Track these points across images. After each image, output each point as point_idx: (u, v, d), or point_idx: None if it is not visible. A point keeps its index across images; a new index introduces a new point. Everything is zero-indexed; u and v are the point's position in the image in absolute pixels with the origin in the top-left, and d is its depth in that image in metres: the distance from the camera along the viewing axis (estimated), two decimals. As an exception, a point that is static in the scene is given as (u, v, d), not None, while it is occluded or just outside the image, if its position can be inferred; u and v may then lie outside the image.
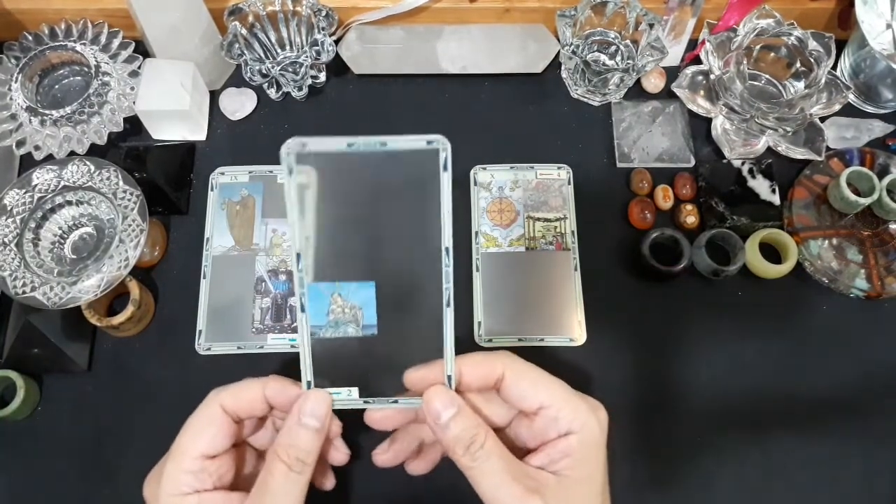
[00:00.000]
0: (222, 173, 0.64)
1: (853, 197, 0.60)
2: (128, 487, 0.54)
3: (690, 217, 0.63)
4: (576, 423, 0.36)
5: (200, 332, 0.59)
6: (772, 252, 0.62)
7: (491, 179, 0.65)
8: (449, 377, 0.37)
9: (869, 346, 0.61)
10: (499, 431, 0.39)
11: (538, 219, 0.63)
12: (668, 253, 0.60)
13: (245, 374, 0.59)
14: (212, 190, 0.64)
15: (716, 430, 0.58)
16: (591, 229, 0.63)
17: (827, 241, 0.62)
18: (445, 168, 0.34)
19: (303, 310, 0.36)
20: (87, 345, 0.58)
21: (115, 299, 0.60)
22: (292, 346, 0.59)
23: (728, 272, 0.59)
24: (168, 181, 0.63)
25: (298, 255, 0.35)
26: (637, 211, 0.63)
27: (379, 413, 0.39)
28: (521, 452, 0.37)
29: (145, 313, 0.59)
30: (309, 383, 0.37)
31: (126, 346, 0.59)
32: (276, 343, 0.59)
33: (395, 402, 0.38)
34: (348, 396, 0.37)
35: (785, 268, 0.60)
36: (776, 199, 0.64)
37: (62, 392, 0.58)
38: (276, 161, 0.65)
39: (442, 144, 0.33)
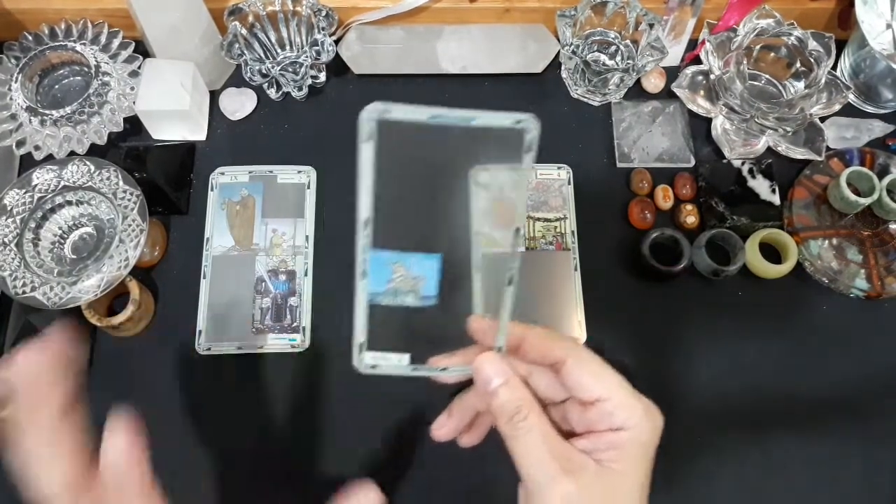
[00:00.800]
0: (222, 173, 0.64)
1: (853, 197, 0.60)
2: (128, 487, 0.55)
3: (690, 217, 0.63)
4: (630, 422, 0.36)
5: (200, 332, 0.59)
6: (772, 252, 0.62)
7: (491, 179, 0.65)
8: (499, 348, 0.37)
9: (869, 346, 0.61)
10: (550, 405, 0.39)
11: (538, 219, 0.63)
12: (668, 253, 0.60)
13: (245, 374, 0.59)
14: (212, 190, 0.64)
15: (716, 429, 0.58)
16: (591, 229, 0.63)
17: (827, 241, 0.62)
18: (529, 149, 0.34)
19: (364, 276, 0.36)
20: (86, 345, 0.58)
21: (114, 299, 0.60)
22: (292, 347, 0.59)
23: (728, 272, 0.59)
24: (168, 181, 0.63)
25: (366, 221, 0.35)
26: (637, 211, 0.63)
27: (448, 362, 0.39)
28: (566, 433, 0.37)
29: (145, 313, 0.59)
30: (362, 345, 0.37)
31: (126, 347, 0.59)
32: (275, 343, 0.59)
33: (444, 370, 0.38)
34: (398, 363, 0.37)
35: (785, 268, 0.60)
36: (776, 199, 0.64)
37: (62, 392, 0.58)
38: (276, 161, 0.66)
39: (530, 124, 0.33)
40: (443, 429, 0.41)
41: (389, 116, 0.33)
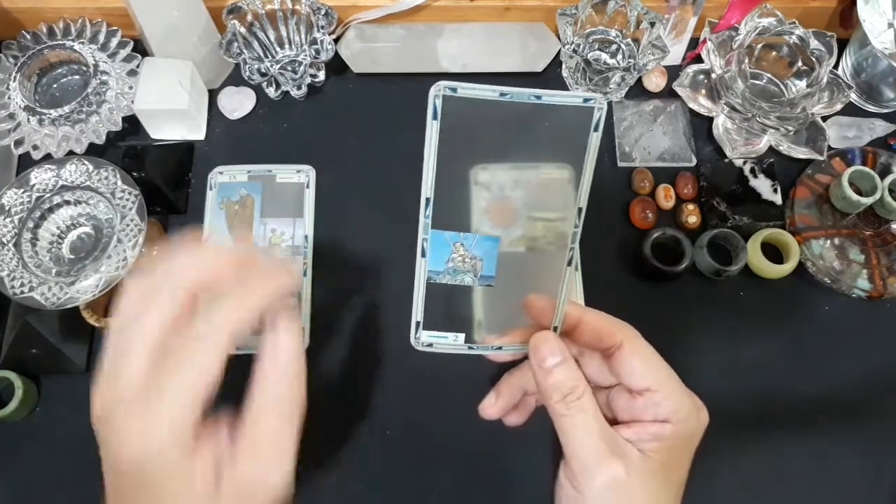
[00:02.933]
0: (221, 173, 0.64)
1: (855, 196, 0.60)
2: (126, 488, 0.54)
3: (692, 217, 0.63)
4: (676, 415, 0.36)
5: (199, 332, 0.58)
6: (774, 252, 0.62)
7: (491, 179, 0.65)
8: (555, 328, 0.37)
9: (871, 347, 0.60)
10: (596, 392, 0.39)
11: (539, 219, 0.63)
12: (669, 253, 0.60)
13: (243, 374, 0.59)
14: (210, 189, 0.63)
15: (717, 429, 0.57)
16: (593, 229, 0.63)
17: (829, 241, 0.62)
18: (597, 128, 0.34)
19: (423, 255, 0.36)
20: (85, 345, 0.58)
21: (113, 299, 0.60)
22: (292, 347, 0.58)
23: (730, 272, 0.59)
24: (166, 181, 0.62)
25: (428, 200, 0.35)
26: (638, 210, 0.63)
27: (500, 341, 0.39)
28: (610, 421, 0.37)
29: (144, 313, 0.58)
30: (419, 323, 0.37)
31: (125, 347, 0.58)
32: (275, 343, 0.58)
33: (500, 348, 0.38)
34: (454, 342, 0.38)
35: (787, 268, 0.60)
36: (778, 199, 0.63)
37: (61, 392, 0.57)
38: (275, 160, 0.65)
39: (598, 103, 0.33)
40: (492, 408, 0.42)
41: (457, 93, 0.33)
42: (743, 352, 0.60)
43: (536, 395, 0.43)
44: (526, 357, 0.39)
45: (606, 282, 0.61)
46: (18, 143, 0.61)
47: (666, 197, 0.63)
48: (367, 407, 0.57)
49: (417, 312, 0.37)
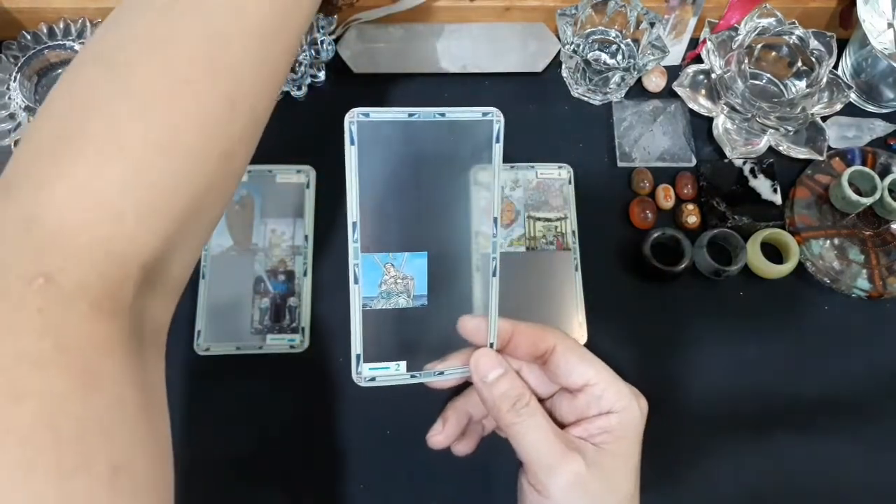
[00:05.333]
0: (221, 173, 0.64)
1: (855, 197, 0.60)
2: (126, 488, 0.54)
3: (692, 217, 0.63)
4: (618, 405, 0.37)
5: (199, 332, 0.58)
6: (773, 252, 0.62)
7: (491, 179, 0.65)
8: (491, 344, 0.38)
9: (871, 347, 0.60)
10: (540, 403, 0.39)
11: (539, 218, 0.63)
12: (669, 253, 0.60)
13: (244, 374, 0.59)
14: (211, 189, 0.63)
15: (717, 430, 0.58)
16: (592, 229, 0.63)
17: (828, 241, 0.62)
18: (498, 139, 0.36)
19: (356, 281, 0.36)
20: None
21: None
22: (291, 347, 0.58)
23: (729, 272, 0.59)
24: (167, 181, 0.62)
25: (354, 225, 0.36)
26: (638, 210, 0.63)
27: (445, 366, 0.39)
28: (559, 426, 0.38)
29: (144, 313, 0.58)
30: (359, 356, 0.37)
31: (124, 347, 0.58)
32: (274, 344, 0.58)
33: (441, 374, 0.39)
34: (396, 371, 0.38)
35: (786, 268, 0.60)
36: (778, 199, 0.63)
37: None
38: (274, 160, 0.65)
39: (496, 116, 0.35)
40: (438, 436, 0.42)
41: (370, 119, 0.35)
42: (743, 352, 0.60)
43: (484, 418, 0.43)
44: (469, 383, 0.39)
45: (606, 282, 0.61)
46: (18, 143, 0.61)
47: (665, 197, 0.63)
48: (366, 408, 0.57)
49: (356, 345, 0.37)
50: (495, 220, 0.37)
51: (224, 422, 0.56)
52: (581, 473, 0.35)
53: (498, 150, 0.36)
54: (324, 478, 0.55)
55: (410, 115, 0.35)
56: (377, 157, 0.35)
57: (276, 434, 0.56)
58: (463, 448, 0.43)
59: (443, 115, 0.35)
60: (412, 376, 0.38)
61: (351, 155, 0.35)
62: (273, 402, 0.57)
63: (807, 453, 0.57)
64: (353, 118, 0.35)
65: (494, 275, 0.37)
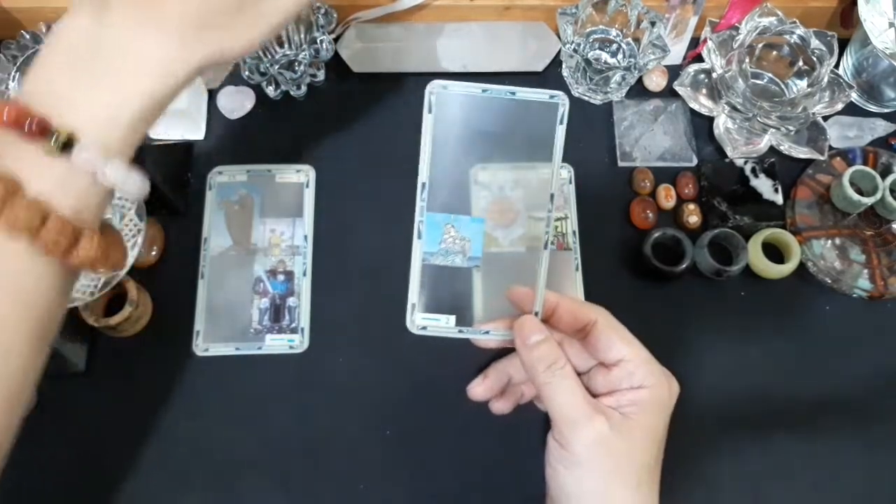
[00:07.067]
0: (220, 173, 0.64)
1: (856, 196, 0.60)
2: (126, 488, 0.54)
3: (693, 217, 0.62)
4: (649, 381, 0.40)
5: (198, 332, 0.58)
6: (774, 252, 0.62)
7: (491, 179, 0.64)
8: (536, 313, 0.40)
9: (871, 347, 0.60)
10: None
11: (539, 218, 0.63)
12: (670, 253, 0.60)
13: (243, 375, 0.59)
14: (210, 189, 0.63)
15: (717, 430, 0.57)
16: (593, 229, 0.63)
17: (830, 241, 0.62)
18: (562, 122, 0.39)
19: (419, 236, 0.40)
20: (84, 346, 0.58)
21: (112, 300, 0.60)
22: (290, 347, 0.58)
23: (730, 272, 0.59)
24: (166, 181, 0.62)
25: (423, 185, 0.39)
26: (639, 210, 0.63)
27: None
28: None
29: (143, 314, 0.58)
30: (414, 305, 0.40)
31: (124, 347, 0.58)
32: (274, 344, 0.58)
33: (487, 332, 0.41)
34: (446, 324, 0.41)
35: (787, 268, 0.60)
36: (779, 199, 0.63)
37: (60, 393, 0.57)
38: (275, 160, 0.65)
39: (562, 100, 0.38)
40: (479, 387, 0.45)
41: (447, 90, 0.38)
42: (743, 352, 0.60)
43: (523, 383, 0.46)
44: (512, 349, 0.41)
45: (607, 282, 0.61)
46: None
47: (666, 197, 0.63)
48: (367, 406, 0.57)
49: (413, 294, 0.40)
50: (552, 196, 0.40)
51: (224, 422, 0.56)
52: (604, 433, 0.37)
53: (561, 131, 0.39)
54: (324, 478, 0.55)
55: (484, 90, 0.38)
56: (449, 126, 0.38)
57: (276, 434, 0.56)
58: (500, 406, 0.46)
59: (513, 93, 0.38)
60: (460, 331, 0.41)
61: (427, 122, 0.38)
62: (273, 403, 0.57)
63: (807, 453, 0.57)
64: (433, 89, 0.38)
65: (546, 248, 0.41)
